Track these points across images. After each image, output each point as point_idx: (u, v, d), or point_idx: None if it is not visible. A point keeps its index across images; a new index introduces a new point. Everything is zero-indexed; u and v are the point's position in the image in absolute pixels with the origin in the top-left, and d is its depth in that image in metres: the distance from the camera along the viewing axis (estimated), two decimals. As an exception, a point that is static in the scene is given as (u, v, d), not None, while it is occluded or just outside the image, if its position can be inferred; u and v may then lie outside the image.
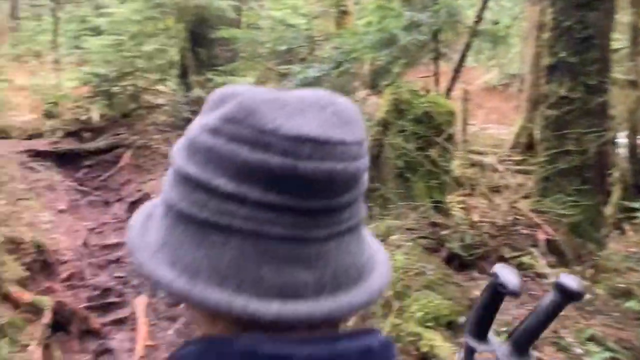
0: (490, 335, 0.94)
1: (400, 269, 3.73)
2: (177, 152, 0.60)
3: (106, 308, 5.41)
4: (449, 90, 6.40)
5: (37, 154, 8.33)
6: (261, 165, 0.52)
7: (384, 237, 4.16)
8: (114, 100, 9.74)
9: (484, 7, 6.53)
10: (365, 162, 0.56)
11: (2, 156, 7.15)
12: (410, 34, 4.81)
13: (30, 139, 9.63)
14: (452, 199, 5.16)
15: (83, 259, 6.18)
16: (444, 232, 4.01)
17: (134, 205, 7.67)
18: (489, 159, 8.04)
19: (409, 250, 3.94)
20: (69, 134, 9.80)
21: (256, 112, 0.53)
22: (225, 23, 9.26)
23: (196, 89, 9.12)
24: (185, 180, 0.57)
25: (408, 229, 4.18)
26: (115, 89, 9.79)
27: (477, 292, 3.81)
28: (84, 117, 10.39)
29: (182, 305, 5.30)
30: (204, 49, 9.80)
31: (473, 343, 0.92)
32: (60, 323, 4.90)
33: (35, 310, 4.80)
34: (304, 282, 0.53)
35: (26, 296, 4.88)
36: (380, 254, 0.64)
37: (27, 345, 4.50)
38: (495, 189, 6.39)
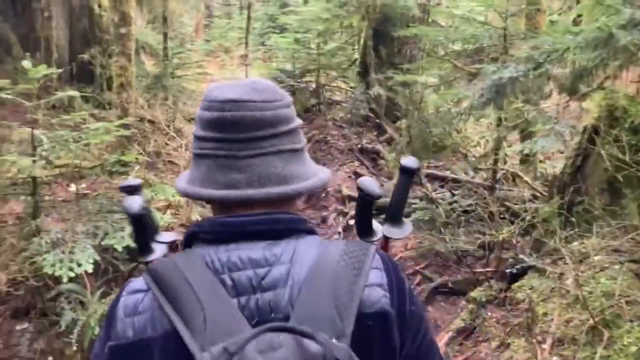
0: (374, 226, 1.24)
1: (606, 294, 3.37)
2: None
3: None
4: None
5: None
6: (209, 118, 0.99)
7: (584, 256, 3.80)
8: (297, 96, 10.18)
9: None
10: (274, 113, 0.99)
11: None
12: (630, 33, 4.30)
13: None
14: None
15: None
16: (662, 258, 3.53)
17: (309, 198, 7.95)
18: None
19: (617, 275, 3.54)
20: (254, 125, 10.46)
21: (209, 91, 1.01)
22: (409, 20, 9.20)
23: (375, 87, 9.18)
24: (194, 136, 1.04)
25: (615, 251, 3.76)
26: (298, 85, 10.24)
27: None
28: (268, 110, 11.03)
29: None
30: (384, 47, 9.84)
31: (366, 239, 1.24)
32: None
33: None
34: (238, 180, 0.97)
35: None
36: (322, 172, 1.09)
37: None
38: None
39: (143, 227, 1.19)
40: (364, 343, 0.90)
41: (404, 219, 1.26)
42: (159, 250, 1.21)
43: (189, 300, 0.89)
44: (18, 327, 3.84)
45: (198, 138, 1.02)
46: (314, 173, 1.06)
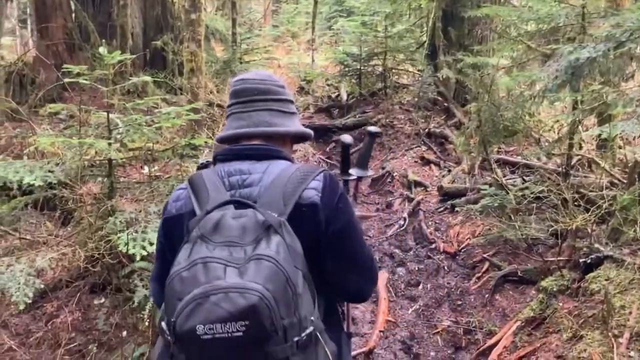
0: (351, 170, 2.08)
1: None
2: None
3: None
4: None
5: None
6: (231, 92, 1.77)
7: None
8: (362, 80, 10.11)
9: None
10: (266, 87, 1.71)
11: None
12: None
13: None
14: None
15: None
16: None
17: (375, 181, 7.90)
18: None
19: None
20: (320, 110, 10.48)
21: (233, 79, 1.77)
22: (480, 0, 8.89)
23: (444, 69, 8.96)
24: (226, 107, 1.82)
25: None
26: (364, 69, 10.15)
27: None
28: (334, 95, 11.01)
29: (420, 287, 5.30)
30: (454, 28, 9.57)
31: (342, 177, 2.03)
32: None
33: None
34: (243, 125, 1.68)
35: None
36: (305, 130, 1.80)
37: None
38: None
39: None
40: (298, 220, 1.49)
41: (368, 167, 2.16)
42: None
43: (203, 192, 1.57)
44: (96, 302, 4.05)
45: (227, 106, 1.77)
46: (296, 127, 1.78)
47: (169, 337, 1.33)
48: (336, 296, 1.74)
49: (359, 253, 1.66)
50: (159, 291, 1.62)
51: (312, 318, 1.41)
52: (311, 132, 1.83)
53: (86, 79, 3.93)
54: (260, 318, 1.27)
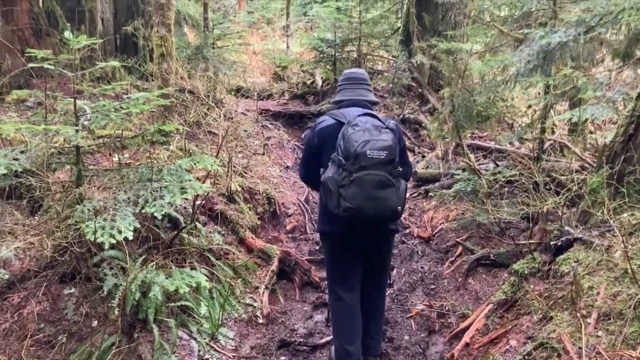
0: None
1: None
2: None
3: (323, 263, 5.63)
4: None
5: (271, 114, 8.96)
6: (344, 77, 3.70)
7: (635, 228, 3.63)
8: (337, 66, 10.05)
9: None
10: (364, 77, 3.68)
11: (244, 115, 7.79)
12: (691, -8, 4.02)
13: (261, 99, 10.44)
14: None
15: (305, 214, 6.53)
16: None
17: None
18: None
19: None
20: (295, 97, 10.40)
21: (346, 71, 3.77)
22: (454, -13, 8.89)
23: (418, 55, 8.95)
24: (338, 85, 3.94)
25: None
26: (339, 55, 10.09)
27: None
28: (309, 81, 10.93)
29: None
30: (428, 14, 9.56)
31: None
32: (284, 272, 5.25)
33: (265, 256, 5.19)
34: (351, 94, 3.58)
35: (258, 243, 5.29)
36: (377, 100, 3.80)
37: (256, 288, 4.91)
38: None
39: None
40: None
41: None
42: None
43: (340, 115, 3.40)
44: (65, 292, 3.97)
45: (340, 85, 3.64)
46: (374, 98, 3.63)
47: (347, 158, 3.05)
48: None
49: (407, 157, 3.58)
50: (306, 171, 3.62)
51: (399, 168, 3.18)
52: (379, 100, 4.25)
53: (51, 64, 3.81)
54: (391, 151, 3.05)
